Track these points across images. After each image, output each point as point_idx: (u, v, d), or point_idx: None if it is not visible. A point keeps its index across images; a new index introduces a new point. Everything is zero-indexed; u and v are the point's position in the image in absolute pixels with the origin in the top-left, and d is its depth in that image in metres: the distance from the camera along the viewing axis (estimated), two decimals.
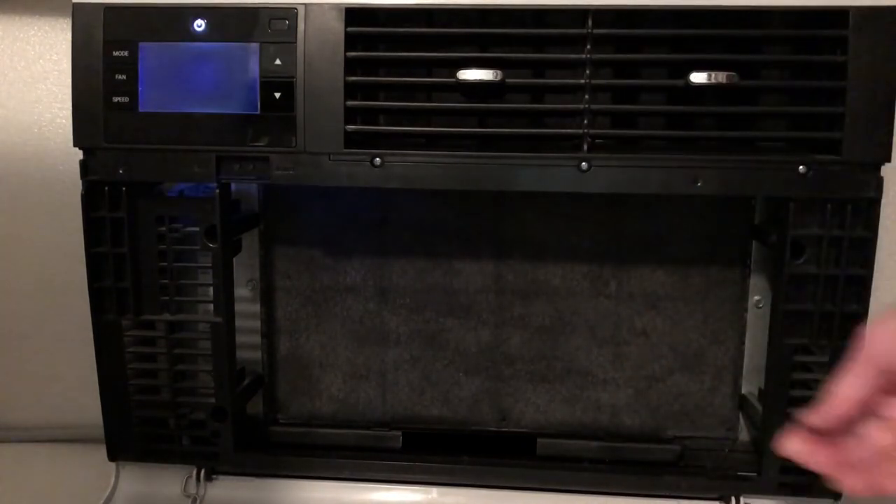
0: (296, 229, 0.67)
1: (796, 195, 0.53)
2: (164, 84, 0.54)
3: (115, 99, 0.55)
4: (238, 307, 0.63)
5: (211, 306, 0.60)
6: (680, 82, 0.53)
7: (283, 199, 0.66)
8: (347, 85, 0.54)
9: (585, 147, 0.53)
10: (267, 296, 0.67)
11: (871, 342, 0.45)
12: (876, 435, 0.43)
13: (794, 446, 0.45)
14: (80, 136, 0.56)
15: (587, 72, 0.53)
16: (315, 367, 0.68)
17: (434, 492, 0.63)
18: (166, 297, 0.60)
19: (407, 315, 0.67)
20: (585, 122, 0.53)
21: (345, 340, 0.68)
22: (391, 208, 0.66)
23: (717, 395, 0.65)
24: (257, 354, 0.68)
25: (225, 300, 0.59)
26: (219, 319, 0.59)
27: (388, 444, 0.66)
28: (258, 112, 0.54)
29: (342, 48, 0.53)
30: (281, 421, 0.69)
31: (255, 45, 0.54)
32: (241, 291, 0.67)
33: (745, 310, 0.64)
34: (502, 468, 0.63)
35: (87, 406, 0.66)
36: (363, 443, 0.66)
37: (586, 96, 0.53)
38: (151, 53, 0.54)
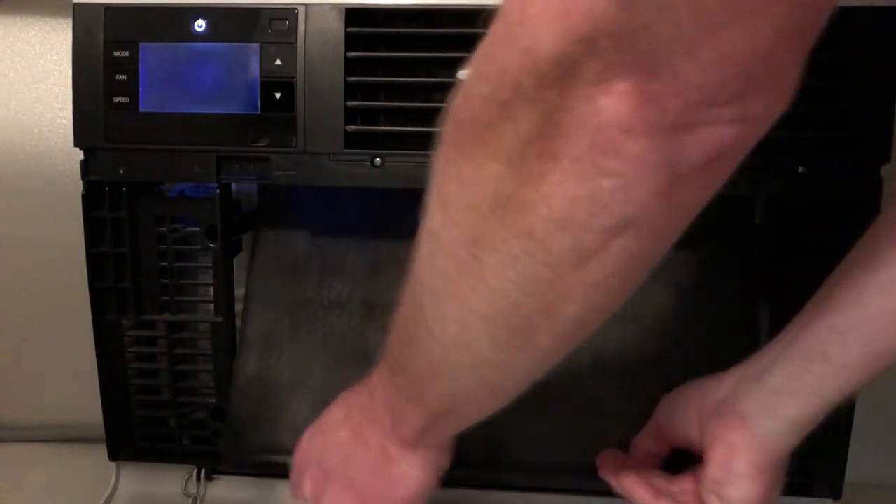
0: (285, 234, 0.65)
1: (796, 195, 0.53)
2: (165, 84, 0.55)
3: (116, 99, 0.55)
4: (238, 307, 0.63)
5: (211, 306, 0.60)
6: None
7: (277, 202, 0.65)
8: (347, 85, 0.54)
9: None
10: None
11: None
12: None
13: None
14: (81, 136, 0.56)
15: None
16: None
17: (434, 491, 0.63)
18: (167, 297, 0.60)
19: None
20: None
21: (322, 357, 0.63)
22: (388, 217, 0.64)
23: None
24: None
25: (225, 300, 0.59)
26: (219, 319, 0.60)
27: None
28: (258, 112, 0.54)
29: (342, 48, 0.53)
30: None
31: (255, 46, 0.54)
32: (242, 291, 0.67)
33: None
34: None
35: (87, 406, 0.66)
36: None
37: None
38: (152, 53, 0.54)
